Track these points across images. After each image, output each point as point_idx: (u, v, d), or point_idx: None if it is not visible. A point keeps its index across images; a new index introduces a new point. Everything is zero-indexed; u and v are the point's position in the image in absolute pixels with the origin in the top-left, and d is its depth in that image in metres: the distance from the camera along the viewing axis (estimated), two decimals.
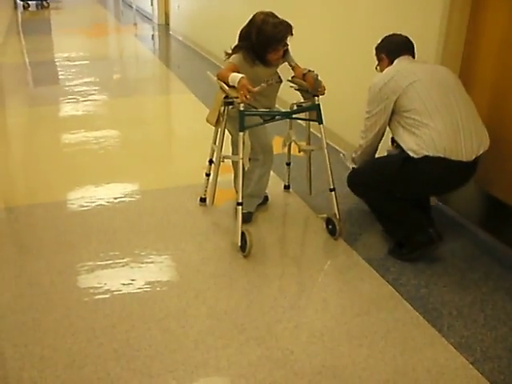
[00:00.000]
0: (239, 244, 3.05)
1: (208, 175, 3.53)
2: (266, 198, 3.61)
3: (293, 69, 3.25)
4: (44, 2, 13.59)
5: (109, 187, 3.90)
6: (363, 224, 3.43)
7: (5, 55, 8.12)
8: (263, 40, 3.00)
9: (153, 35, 10.55)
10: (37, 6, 13.67)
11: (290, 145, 3.60)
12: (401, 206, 3.06)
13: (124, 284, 2.81)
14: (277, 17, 3.04)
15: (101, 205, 3.63)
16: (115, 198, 3.72)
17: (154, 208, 3.60)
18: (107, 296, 2.71)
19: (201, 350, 2.36)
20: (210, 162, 3.47)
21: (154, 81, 7.44)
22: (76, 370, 2.24)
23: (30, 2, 13.46)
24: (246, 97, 2.85)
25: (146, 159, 4.42)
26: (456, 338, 2.45)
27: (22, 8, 13.46)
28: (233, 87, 2.94)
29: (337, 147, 4.47)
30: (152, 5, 11.25)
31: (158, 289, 2.78)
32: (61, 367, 2.26)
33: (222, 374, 2.26)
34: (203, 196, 3.61)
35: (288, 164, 3.73)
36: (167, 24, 10.76)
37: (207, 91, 6.00)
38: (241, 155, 3.02)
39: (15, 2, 13.67)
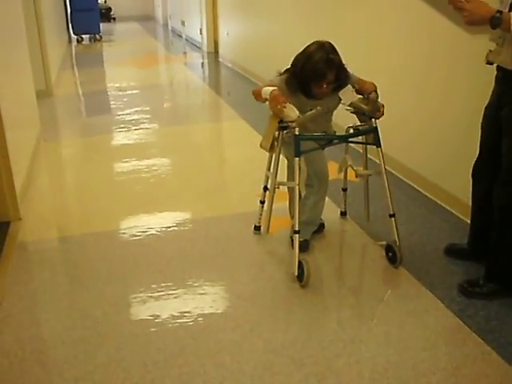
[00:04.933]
0: (296, 274, 2.93)
1: (262, 202, 3.43)
2: (322, 226, 3.48)
3: (357, 90, 3.10)
4: (97, 36, 13.89)
5: (161, 216, 3.84)
6: (424, 251, 3.26)
7: (59, 87, 8.27)
8: (305, 72, 2.90)
9: (202, 63, 10.62)
10: (90, 39, 13.97)
11: (346, 170, 3.47)
12: None
13: (177, 316, 2.72)
14: (331, 51, 2.89)
15: (153, 234, 3.57)
16: (168, 227, 3.66)
17: (208, 237, 3.52)
18: (160, 329, 2.62)
19: None
20: (265, 188, 3.37)
21: (204, 108, 7.43)
22: None
23: (83, 36, 13.78)
24: (281, 107, 2.82)
25: (199, 187, 4.36)
26: None
27: (76, 42, 13.78)
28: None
29: (394, 172, 4.31)
30: (201, 33, 11.35)
31: (211, 321, 2.67)
32: None
33: None
34: (257, 224, 3.50)
35: (344, 190, 3.61)
36: (216, 52, 10.81)
37: (258, 117, 5.95)
38: (297, 181, 2.92)
39: (69, 36, 14.02)
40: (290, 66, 3.03)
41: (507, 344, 2.44)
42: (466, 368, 2.32)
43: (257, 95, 3.03)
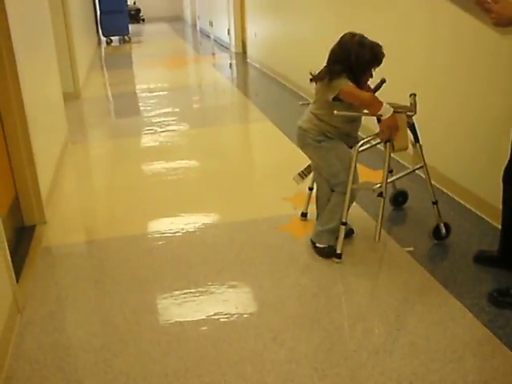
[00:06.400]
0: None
1: (345, 224, 3.12)
2: (351, 231, 3.42)
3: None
4: (126, 37, 13.96)
5: (185, 220, 3.81)
6: (453, 258, 3.18)
7: (88, 89, 8.32)
8: (364, 62, 2.90)
9: (230, 64, 10.59)
10: (119, 40, 14.06)
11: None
12: None
13: (199, 324, 2.68)
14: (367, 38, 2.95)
15: (177, 238, 3.54)
16: (192, 232, 3.63)
17: (232, 242, 3.48)
18: (181, 337, 2.59)
19: None
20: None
21: (231, 110, 7.40)
22: None
23: (112, 38, 13.87)
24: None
25: (224, 190, 4.33)
26: None
27: (105, 43, 13.89)
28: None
29: (422, 175, 4.20)
30: (229, 34, 11.33)
31: (233, 329, 2.63)
32: None
33: None
34: (339, 251, 3.16)
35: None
36: (244, 52, 10.78)
37: (286, 119, 5.93)
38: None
39: (99, 38, 14.14)
40: (334, 65, 2.96)
41: None
42: (495, 382, 2.24)
43: (375, 107, 2.91)
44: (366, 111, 3.05)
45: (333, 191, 3.17)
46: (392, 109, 2.88)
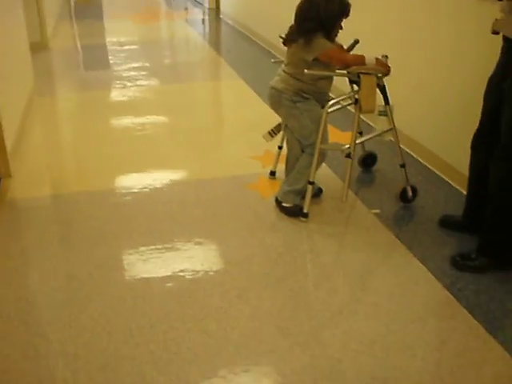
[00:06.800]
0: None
1: (312, 183, 3.16)
2: (320, 190, 3.43)
3: None
4: None
5: (153, 176, 3.78)
6: (418, 221, 3.23)
7: (56, 39, 8.12)
8: (333, 15, 2.90)
9: (203, 19, 10.42)
10: None
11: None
12: None
13: (164, 280, 2.68)
14: None
15: (144, 194, 3.52)
16: (159, 188, 3.60)
17: (199, 199, 3.47)
18: (146, 293, 2.59)
19: (242, 355, 2.22)
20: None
21: (202, 66, 7.30)
22: (110, 372, 2.13)
23: None
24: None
25: (193, 147, 4.29)
26: None
27: None
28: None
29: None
30: None
31: (199, 286, 2.64)
32: (94, 368, 2.15)
33: (263, 382, 2.11)
34: (306, 211, 3.17)
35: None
36: (218, 8, 10.59)
37: (257, 77, 5.88)
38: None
39: None
40: (306, 20, 2.92)
41: (494, 319, 2.41)
42: (452, 342, 2.30)
43: (360, 64, 2.95)
44: (338, 71, 3.05)
45: (303, 152, 3.17)
46: (371, 55, 2.94)
